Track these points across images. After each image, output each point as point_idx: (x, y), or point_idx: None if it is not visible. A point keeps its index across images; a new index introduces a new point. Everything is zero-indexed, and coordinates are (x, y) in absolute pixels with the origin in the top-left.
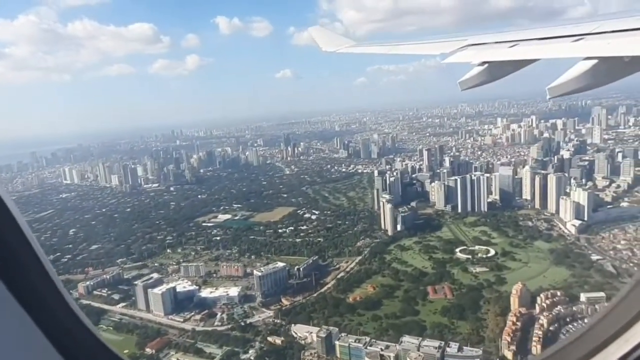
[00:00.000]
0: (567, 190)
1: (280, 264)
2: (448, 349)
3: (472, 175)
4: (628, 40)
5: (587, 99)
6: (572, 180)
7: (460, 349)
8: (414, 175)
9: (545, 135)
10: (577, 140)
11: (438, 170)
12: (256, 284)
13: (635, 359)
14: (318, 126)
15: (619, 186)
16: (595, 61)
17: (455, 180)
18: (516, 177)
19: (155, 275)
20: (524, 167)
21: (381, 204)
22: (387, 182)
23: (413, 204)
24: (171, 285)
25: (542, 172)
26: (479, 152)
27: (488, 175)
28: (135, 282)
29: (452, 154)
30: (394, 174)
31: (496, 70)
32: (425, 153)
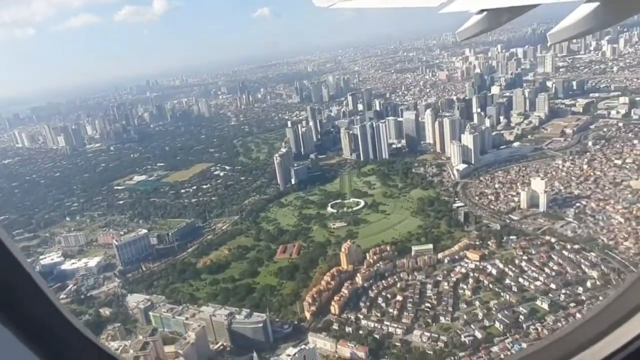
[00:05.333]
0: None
1: (143, 231)
2: (237, 316)
3: (374, 122)
4: None
5: None
6: (469, 122)
7: (249, 316)
8: (335, 122)
9: (477, 71)
10: (511, 74)
11: (354, 117)
12: (116, 253)
13: (634, 351)
14: (294, 67)
15: (530, 122)
16: (596, 4)
17: (357, 127)
18: (422, 120)
19: None
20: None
21: (274, 157)
22: (299, 132)
23: (312, 155)
24: (29, 259)
25: (447, 114)
26: (428, 90)
27: (399, 119)
28: None
29: (400, 93)
30: (310, 122)
31: (495, 17)
32: (349, 98)
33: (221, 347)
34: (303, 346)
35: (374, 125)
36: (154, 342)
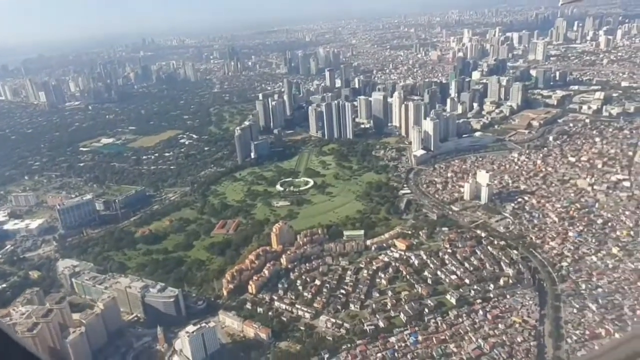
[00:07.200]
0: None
1: (88, 196)
2: (151, 289)
3: (340, 101)
4: None
5: (582, 6)
6: (442, 107)
7: (162, 289)
8: (311, 98)
9: (460, 54)
10: (495, 60)
11: (326, 94)
12: (58, 217)
13: None
14: (293, 36)
15: (501, 111)
16: None
17: (324, 105)
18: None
19: None
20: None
21: (235, 130)
22: (270, 106)
23: (276, 131)
24: None
25: (415, 97)
26: (415, 70)
27: (369, 99)
28: None
29: (387, 71)
30: (285, 96)
31: None
32: (327, 73)
33: (135, 318)
34: (203, 324)
35: (340, 104)
36: (60, 310)
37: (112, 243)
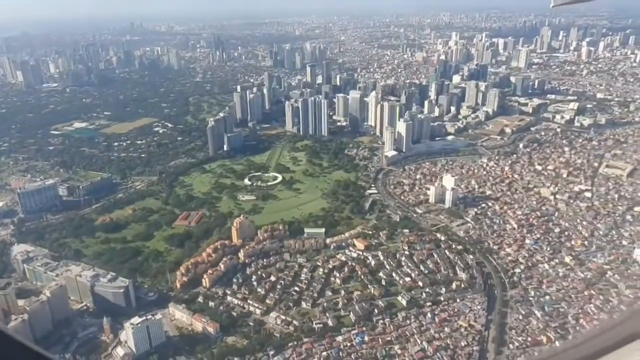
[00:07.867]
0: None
1: (50, 181)
2: (102, 279)
3: (317, 98)
4: None
5: (569, 15)
6: (409, 109)
7: (113, 279)
8: (290, 93)
9: (442, 57)
10: (476, 65)
11: (305, 90)
12: (18, 201)
13: None
14: (283, 28)
15: (477, 117)
16: None
17: (300, 101)
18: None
19: None
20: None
21: (208, 121)
22: (248, 99)
23: (250, 124)
24: None
25: (392, 98)
26: (400, 70)
27: (347, 97)
28: None
29: (371, 70)
30: (265, 90)
31: None
32: (308, 69)
33: (84, 307)
34: (150, 316)
35: (317, 100)
36: (5, 296)
37: (70, 229)
